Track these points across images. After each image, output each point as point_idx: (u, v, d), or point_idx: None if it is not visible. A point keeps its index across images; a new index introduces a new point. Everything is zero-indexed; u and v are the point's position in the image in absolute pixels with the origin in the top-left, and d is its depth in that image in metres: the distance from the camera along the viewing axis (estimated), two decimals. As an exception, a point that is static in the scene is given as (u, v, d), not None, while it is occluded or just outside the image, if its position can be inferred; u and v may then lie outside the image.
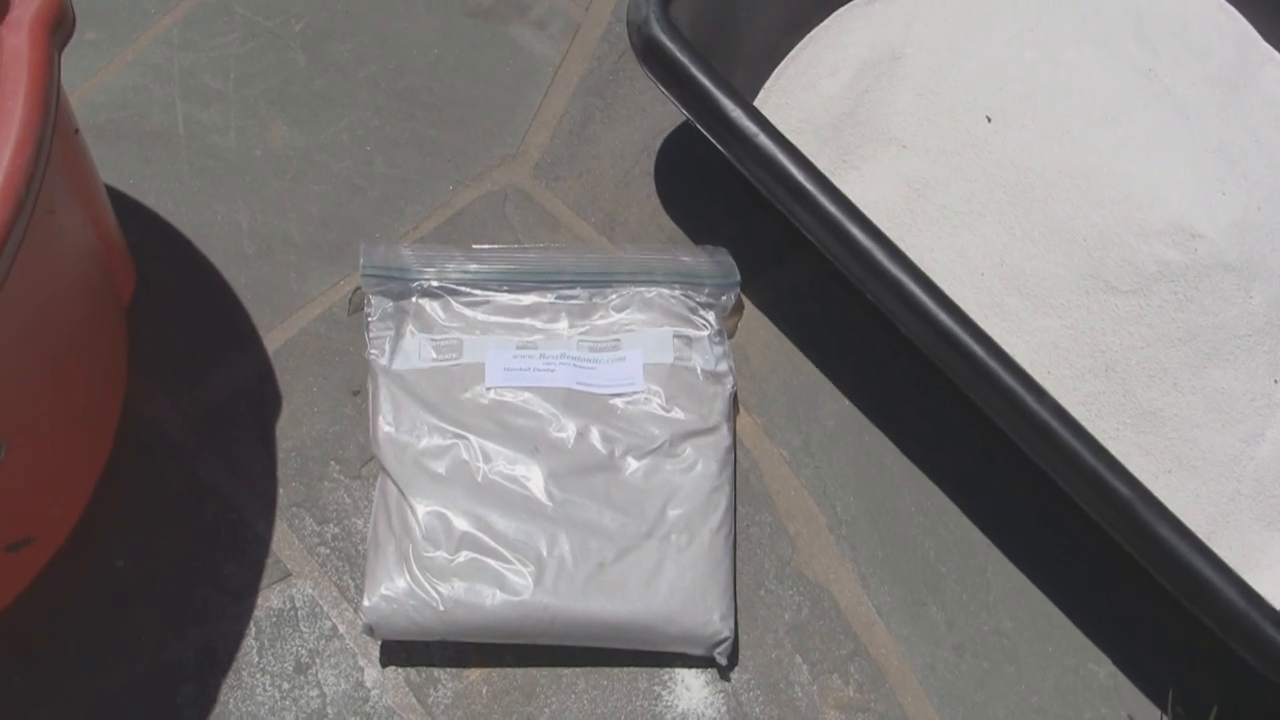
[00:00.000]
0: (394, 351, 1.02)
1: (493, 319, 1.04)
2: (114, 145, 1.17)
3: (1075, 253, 0.98)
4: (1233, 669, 0.93)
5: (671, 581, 0.94)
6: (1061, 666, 0.98)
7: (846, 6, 1.17)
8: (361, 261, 1.05)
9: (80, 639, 0.96)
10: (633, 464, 0.98)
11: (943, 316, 0.92)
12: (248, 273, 1.11)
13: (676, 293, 1.06)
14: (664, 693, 0.96)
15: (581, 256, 1.07)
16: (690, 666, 0.97)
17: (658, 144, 1.20)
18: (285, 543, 1.00)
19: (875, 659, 0.98)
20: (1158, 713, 0.97)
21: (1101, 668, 0.98)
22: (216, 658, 0.96)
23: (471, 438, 0.98)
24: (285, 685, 0.95)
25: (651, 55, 0.99)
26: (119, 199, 1.14)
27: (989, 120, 1.03)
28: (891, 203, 1.04)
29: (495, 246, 1.08)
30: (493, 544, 0.93)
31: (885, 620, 0.99)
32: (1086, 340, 0.98)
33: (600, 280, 1.06)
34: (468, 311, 1.04)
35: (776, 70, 1.16)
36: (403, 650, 0.96)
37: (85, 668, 0.95)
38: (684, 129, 1.20)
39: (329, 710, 0.94)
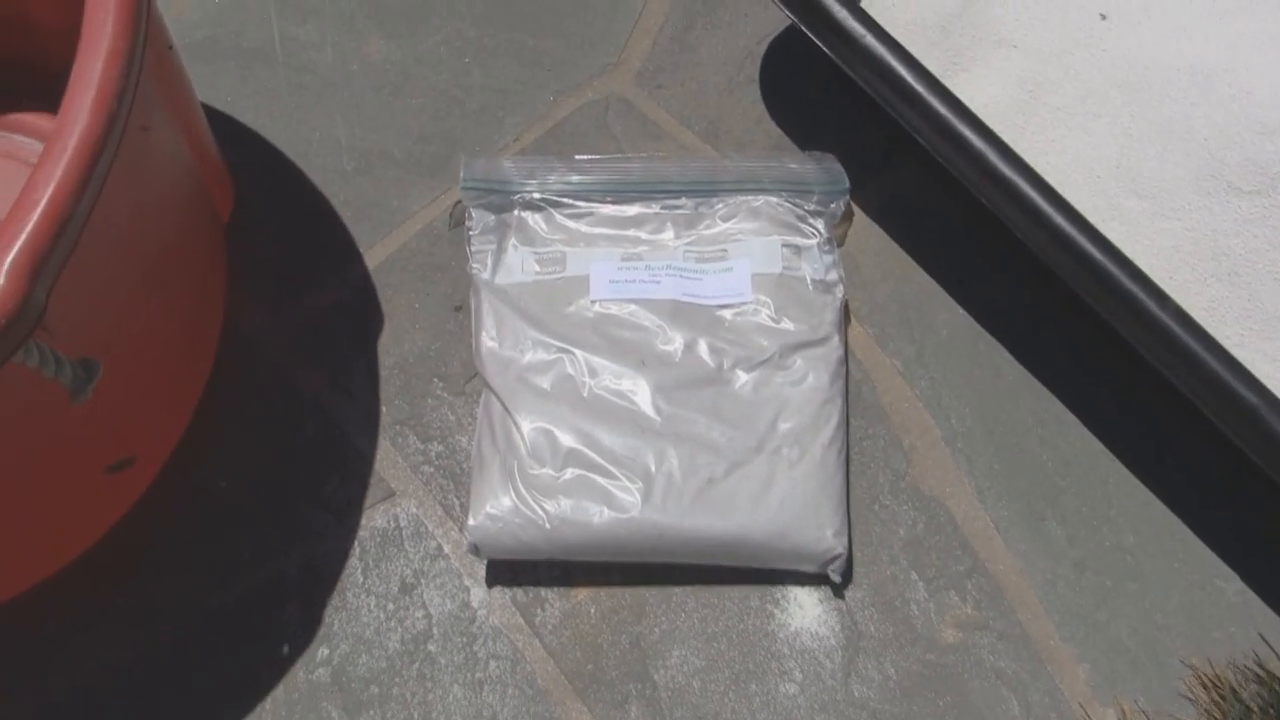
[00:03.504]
0: (496, 265, 1.00)
1: (596, 231, 1.02)
2: (210, 63, 1.14)
3: (1195, 153, 0.94)
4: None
5: (783, 497, 0.91)
6: (1187, 583, 0.94)
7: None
8: (462, 175, 1.02)
9: (185, 558, 0.95)
10: (742, 376, 0.95)
11: (1059, 220, 0.89)
12: (347, 189, 1.09)
13: (784, 200, 1.02)
14: (776, 611, 0.93)
15: (686, 165, 1.04)
16: (803, 584, 0.94)
17: (762, 49, 1.15)
18: (389, 461, 0.98)
19: (993, 575, 0.94)
20: (1289, 629, 0.93)
21: (1230, 585, 0.94)
22: (320, 577, 0.94)
23: (577, 352, 0.95)
24: (390, 606, 0.93)
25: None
26: (216, 117, 1.12)
27: (1103, 18, 0.98)
28: (1003, 105, 1.00)
29: (598, 157, 1.05)
30: (600, 460, 0.91)
31: (1003, 535, 0.96)
32: (1209, 243, 0.94)
33: (706, 189, 1.03)
34: (571, 223, 1.02)
35: (884, -30, 1.12)
36: (509, 570, 0.94)
37: (191, 586, 0.94)
38: (789, 33, 1.16)
39: (435, 631, 0.92)
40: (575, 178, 1.03)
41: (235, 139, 1.11)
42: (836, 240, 1.04)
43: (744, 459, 0.92)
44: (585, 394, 0.94)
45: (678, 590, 0.94)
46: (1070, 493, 0.97)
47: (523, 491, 0.90)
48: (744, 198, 1.03)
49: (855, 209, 1.07)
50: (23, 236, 0.66)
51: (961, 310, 1.04)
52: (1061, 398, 1.00)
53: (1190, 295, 0.93)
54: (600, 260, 1.00)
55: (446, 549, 0.96)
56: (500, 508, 0.90)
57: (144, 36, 0.74)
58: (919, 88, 0.93)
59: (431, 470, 0.98)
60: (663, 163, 1.05)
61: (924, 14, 1.05)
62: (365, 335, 1.03)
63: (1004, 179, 0.91)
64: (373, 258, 1.06)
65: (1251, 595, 0.94)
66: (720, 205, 1.03)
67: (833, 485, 0.92)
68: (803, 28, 0.97)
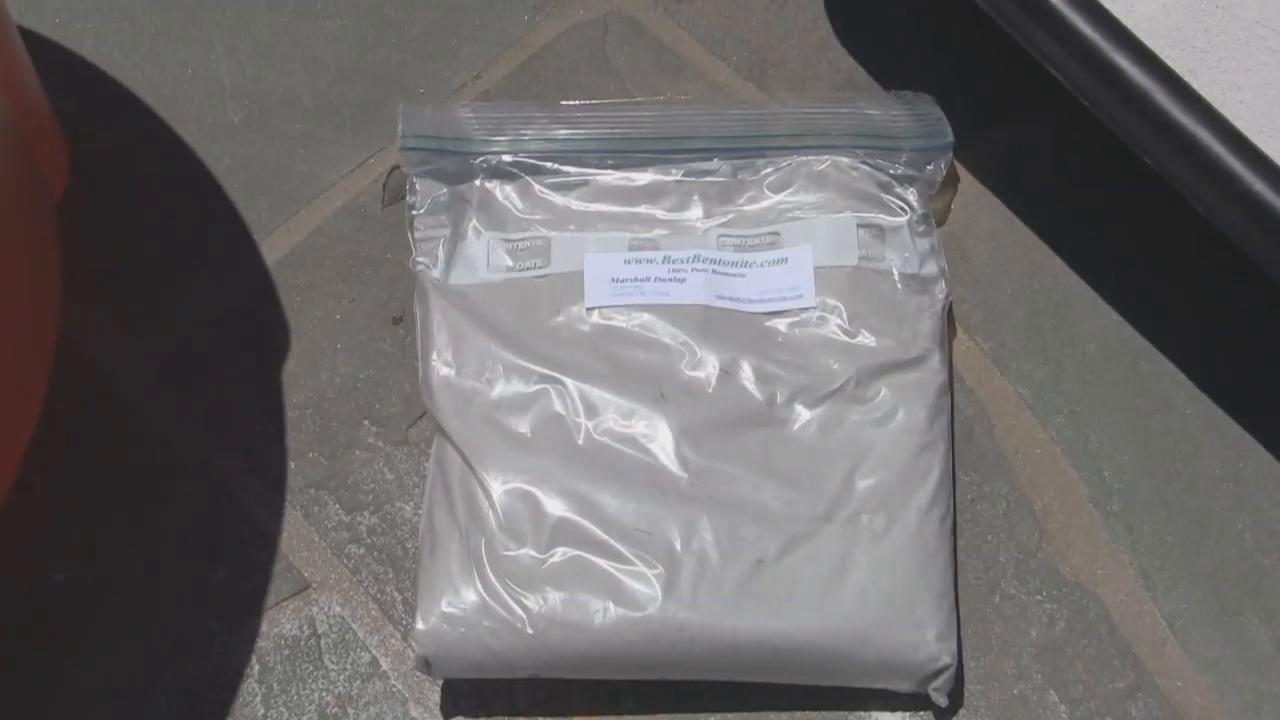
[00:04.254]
0: (451, 258, 1.00)
1: (593, 208, 1.02)
2: (37, -29, 1.15)
3: None
4: None
5: (863, 584, 0.91)
6: None
7: None
8: (400, 129, 1.03)
9: (3, 685, 0.94)
10: (803, 414, 0.95)
11: (1257, 186, 0.89)
12: (234, 150, 1.10)
13: (860, 161, 1.03)
14: (857, 748, 0.94)
15: (720, 113, 1.05)
16: (894, 709, 0.94)
17: (826, -56, 1.17)
18: (300, 540, 0.98)
19: (1168, 695, 0.94)
20: None
21: None
22: (202, 708, 0.94)
23: (567, 381, 0.95)
24: (306, 746, 0.94)
25: None
26: (43, 49, 1.12)
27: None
28: (1178, 20, 1.00)
29: (594, 102, 1.06)
30: (602, 535, 0.91)
31: (1181, 638, 0.96)
32: None
33: (749, 146, 1.03)
34: (556, 198, 1.02)
35: None
36: (474, 694, 0.94)
37: (15, 724, 0.94)
38: (864, -78, 1.17)
39: (370, 783, 0.93)
40: (562, 132, 1.03)
41: (72, 80, 1.11)
42: (935, 217, 1.04)
43: (808, 531, 0.92)
44: (581, 441, 0.94)
45: (714, 720, 0.94)
46: (1278, 576, 0.97)
47: (493, 581, 0.90)
48: (803, 158, 1.03)
49: (962, 172, 1.08)
50: None
51: (1116, 315, 1.04)
52: (1264, 440, 1.01)
53: None
54: (599, 250, 1.00)
55: (385, 664, 0.95)
56: (462, 605, 0.90)
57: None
58: (1054, -3, 0.93)
59: (362, 552, 0.98)
60: (686, 109, 1.06)
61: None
62: (264, 361, 1.03)
63: (1176, 127, 0.91)
64: (273, 249, 1.07)
65: None
66: (769, 169, 1.03)
67: (934, 567, 0.93)
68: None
